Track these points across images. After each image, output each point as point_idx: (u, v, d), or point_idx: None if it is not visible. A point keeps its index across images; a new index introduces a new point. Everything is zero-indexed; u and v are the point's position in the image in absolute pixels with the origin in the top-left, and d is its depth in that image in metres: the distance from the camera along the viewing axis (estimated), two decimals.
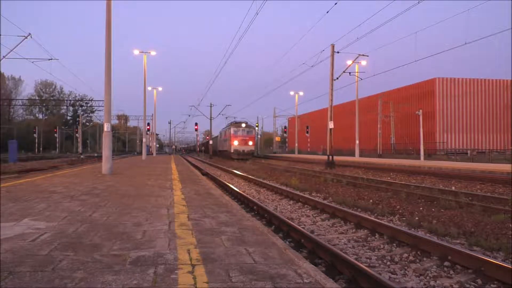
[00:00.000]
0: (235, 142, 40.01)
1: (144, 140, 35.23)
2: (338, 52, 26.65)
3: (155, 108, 51.58)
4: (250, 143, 41.01)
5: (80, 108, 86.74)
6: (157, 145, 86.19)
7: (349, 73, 30.69)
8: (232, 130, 40.76)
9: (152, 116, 54.79)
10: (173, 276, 2.80)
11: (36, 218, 4.92)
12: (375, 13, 19.78)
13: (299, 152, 55.54)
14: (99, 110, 77.84)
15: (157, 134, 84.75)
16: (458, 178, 15.32)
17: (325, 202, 9.27)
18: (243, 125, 41.40)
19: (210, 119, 50.53)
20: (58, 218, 4.93)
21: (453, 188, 12.21)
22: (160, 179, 11.29)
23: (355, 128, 37.82)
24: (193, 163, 32.87)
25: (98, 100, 69.65)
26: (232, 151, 39.77)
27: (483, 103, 49.50)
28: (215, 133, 58.00)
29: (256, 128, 47.32)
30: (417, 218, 7.35)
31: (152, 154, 49.28)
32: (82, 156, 46.11)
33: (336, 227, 7.06)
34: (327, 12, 19.23)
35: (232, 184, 14.45)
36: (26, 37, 25.56)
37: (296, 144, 55.07)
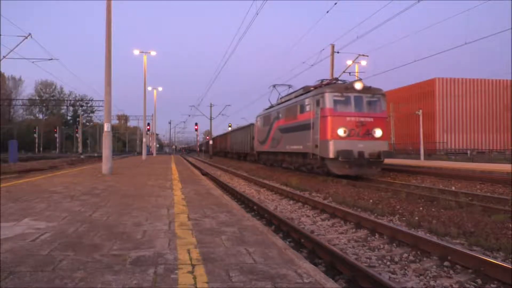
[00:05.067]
0: (340, 131, 14.69)
1: (144, 140, 35.24)
2: (338, 52, 26.65)
3: (155, 108, 51.74)
4: (378, 132, 15.13)
5: (80, 108, 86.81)
6: (157, 145, 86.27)
7: (349, 73, 30.62)
8: (328, 98, 15.02)
9: (152, 116, 54.86)
10: (173, 276, 2.80)
11: (36, 218, 4.92)
12: (375, 12, 19.80)
13: None
14: (99, 110, 78.08)
15: (157, 134, 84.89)
16: (458, 178, 15.31)
17: (325, 202, 9.28)
18: (358, 85, 15.25)
19: (210, 119, 50.61)
20: (58, 218, 4.93)
21: (453, 188, 12.21)
22: (160, 179, 11.29)
23: None
24: (193, 163, 32.88)
25: (98, 100, 69.85)
26: (330, 154, 14.52)
27: (483, 103, 49.49)
28: (215, 133, 57.68)
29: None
30: (417, 218, 7.35)
31: (152, 154, 49.30)
32: (82, 156, 46.19)
33: (336, 227, 7.06)
34: (327, 12, 19.23)
35: (232, 184, 14.47)
36: (26, 37, 25.61)
37: None
